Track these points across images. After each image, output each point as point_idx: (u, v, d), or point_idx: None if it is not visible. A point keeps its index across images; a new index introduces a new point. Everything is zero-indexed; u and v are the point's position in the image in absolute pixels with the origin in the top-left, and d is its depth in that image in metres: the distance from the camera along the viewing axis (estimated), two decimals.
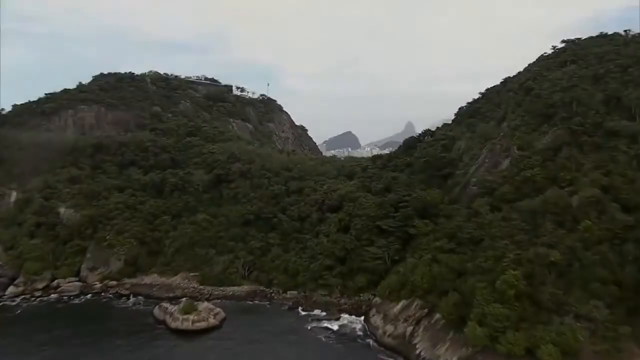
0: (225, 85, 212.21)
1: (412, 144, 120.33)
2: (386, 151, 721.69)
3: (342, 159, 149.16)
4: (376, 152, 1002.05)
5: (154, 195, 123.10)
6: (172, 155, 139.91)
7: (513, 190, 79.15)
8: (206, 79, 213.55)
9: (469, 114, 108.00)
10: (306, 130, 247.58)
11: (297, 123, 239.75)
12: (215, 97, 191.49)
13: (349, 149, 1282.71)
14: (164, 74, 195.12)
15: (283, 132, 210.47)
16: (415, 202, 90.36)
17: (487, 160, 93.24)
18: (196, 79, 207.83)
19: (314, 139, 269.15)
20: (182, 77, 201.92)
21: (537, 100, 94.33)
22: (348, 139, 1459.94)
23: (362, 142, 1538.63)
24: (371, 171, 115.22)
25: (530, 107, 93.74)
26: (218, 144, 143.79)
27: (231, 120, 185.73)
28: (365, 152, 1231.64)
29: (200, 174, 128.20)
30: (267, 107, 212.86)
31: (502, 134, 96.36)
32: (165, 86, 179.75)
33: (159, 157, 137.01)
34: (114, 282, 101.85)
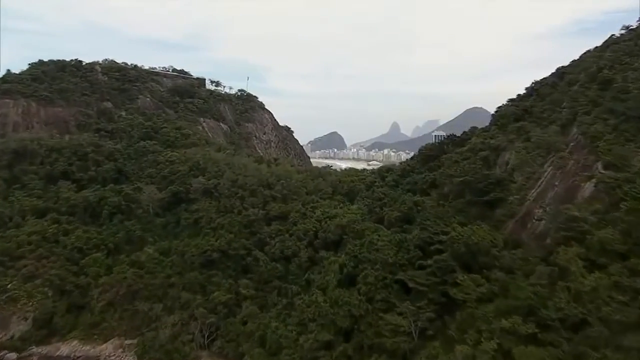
0: (197, 78, 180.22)
1: (433, 154, 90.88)
2: (373, 152, 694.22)
3: (339, 170, 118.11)
4: (362, 152, 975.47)
5: (86, 220, 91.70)
6: (119, 164, 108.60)
7: (621, 237, 50.15)
8: (175, 70, 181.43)
9: (515, 115, 78.79)
10: (292, 131, 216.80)
11: (282, 123, 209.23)
12: (183, 91, 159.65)
13: (335, 150, 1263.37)
14: (123, 63, 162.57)
15: (265, 134, 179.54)
16: (456, 244, 60.82)
17: (556, 183, 64.10)
18: (162, 70, 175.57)
19: (299, 140, 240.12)
20: (146, 67, 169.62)
21: (625, 97, 65.65)
22: (334, 139, 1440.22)
23: (348, 143, 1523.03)
24: (380, 191, 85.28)
25: (616, 107, 64.98)
26: (180, 150, 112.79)
27: (201, 119, 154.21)
28: (352, 152, 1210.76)
29: (151, 191, 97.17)
30: (247, 105, 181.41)
31: (573, 144, 67.45)
32: (120, 77, 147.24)
33: (101, 167, 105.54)
34: (14, 356, 70.43)
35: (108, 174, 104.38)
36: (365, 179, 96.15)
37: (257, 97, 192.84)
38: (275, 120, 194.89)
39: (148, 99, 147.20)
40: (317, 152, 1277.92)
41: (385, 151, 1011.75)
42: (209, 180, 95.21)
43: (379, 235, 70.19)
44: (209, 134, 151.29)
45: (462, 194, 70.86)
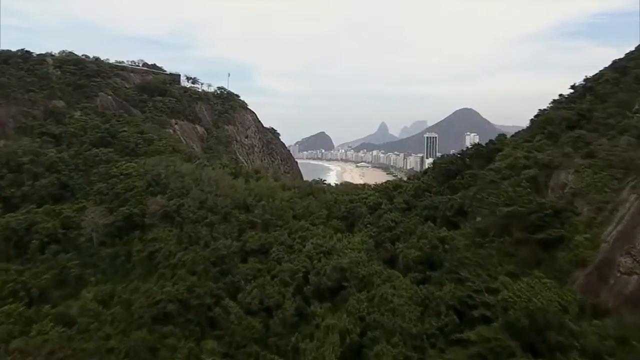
0: (171, 74, 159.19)
1: (454, 168, 71.89)
2: (361, 153, 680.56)
3: (333, 184, 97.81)
4: (351, 153, 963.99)
5: (9, 254, 70.99)
6: (62, 177, 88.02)
7: None
8: (146, 65, 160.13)
9: (568, 120, 60.07)
10: (277, 134, 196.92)
11: (268, 124, 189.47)
12: (152, 88, 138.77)
13: (323, 151, 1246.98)
14: (84, 55, 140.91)
15: (247, 137, 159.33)
16: (511, 310, 41.92)
17: None
18: (131, 65, 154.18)
19: (286, 140, 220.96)
20: (111, 61, 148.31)
21: None
22: (321, 139, 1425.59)
23: (336, 143, 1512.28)
24: (389, 217, 66.05)
25: None
26: (140, 159, 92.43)
27: (173, 121, 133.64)
28: (340, 153, 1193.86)
29: (98, 213, 76.74)
30: (227, 105, 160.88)
31: None
32: (77, 71, 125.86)
33: (40, 180, 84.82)
34: None
35: (47, 190, 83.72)
36: (367, 198, 76.59)
37: (239, 96, 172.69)
38: (259, 121, 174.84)
39: (110, 96, 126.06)
40: (305, 152, 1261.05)
41: (374, 152, 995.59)
42: (169, 200, 75.04)
43: (394, 287, 50.93)
44: (182, 138, 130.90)
45: (507, 229, 51.91)
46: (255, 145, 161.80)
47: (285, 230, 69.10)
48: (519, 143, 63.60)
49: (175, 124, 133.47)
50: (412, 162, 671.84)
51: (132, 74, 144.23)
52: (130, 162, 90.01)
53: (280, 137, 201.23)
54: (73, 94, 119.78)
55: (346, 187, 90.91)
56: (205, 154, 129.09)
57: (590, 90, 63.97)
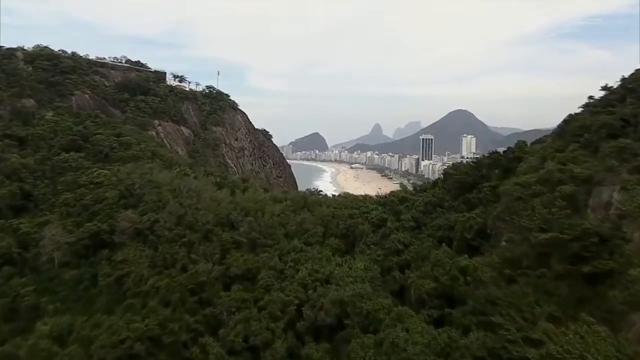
0: (156, 71, 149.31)
1: (470, 181, 62.77)
2: (355, 154, 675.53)
3: (333, 196, 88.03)
4: (345, 154, 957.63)
5: None
6: (26, 186, 78.19)
7: None
8: (129, 62, 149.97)
9: (609, 127, 50.66)
10: (269, 136, 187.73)
11: (262, 124, 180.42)
12: (135, 87, 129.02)
13: (317, 151, 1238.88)
14: (61, 51, 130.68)
15: (237, 139, 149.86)
16: None
17: None
18: (112, 61, 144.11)
19: (280, 141, 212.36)
20: (91, 57, 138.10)
21: None
22: (315, 140, 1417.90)
23: (330, 144, 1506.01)
24: (396, 238, 56.92)
25: None
26: (115, 165, 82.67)
27: (156, 122, 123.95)
28: (334, 154, 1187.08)
29: (60, 229, 66.96)
30: (215, 105, 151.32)
31: None
32: (50, 67, 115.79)
33: None
34: None
35: (6, 202, 73.85)
36: (369, 212, 67.36)
37: (228, 96, 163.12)
38: (249, 122, 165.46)
39: (87, 95, 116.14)
40: (299, 153, 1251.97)
41: (369, 153, 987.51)
42: (143, 214, 65.40)
43: (407, 330, 41.77)
44: (165, 141, 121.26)
45: (544, 260, 42.89)
46: (246, 148, 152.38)
47: (275, 252, 59.67)
48: (548, 152, 54.64)
49: (159, 125, 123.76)
50: (407, 164, 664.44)
51: (112, 71, 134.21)
52: (103, 169, 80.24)
53: (272, 139, 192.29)
54: (45, 92, 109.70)
55: (345, 199, 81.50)
56: (190, 159, 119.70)
57: (631, 92, 55.18)
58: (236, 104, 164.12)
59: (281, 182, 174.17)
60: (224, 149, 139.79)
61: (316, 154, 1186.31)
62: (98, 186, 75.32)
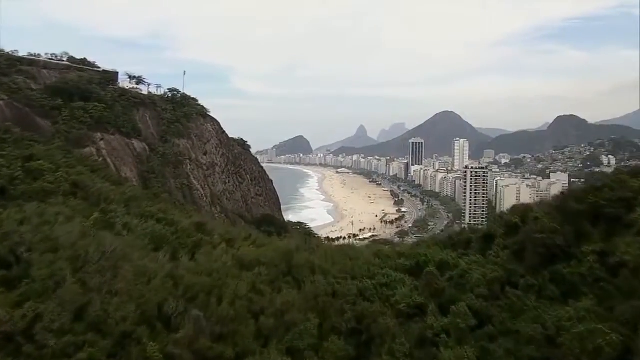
0: (105, 72, 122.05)
1: (562, 243, 38.05)
2: (341, 158, 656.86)
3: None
4: (330, 157, 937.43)
5: None
6: None
7: None
8: (72, 60, 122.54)
9: None
10: (248, 146, 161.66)
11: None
12: (72, 90, 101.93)
13: (301, 155, 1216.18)
14: None
15: (206, 153, 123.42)
16: None
17: None
18: (48, 58, 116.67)
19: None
20: (22, 53, 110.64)
21: None
22: (299, 143, 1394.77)
23: (314, 146, 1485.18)
24: (450, 357, 31.96)
25: None
26: (9, 205, 56.17)
27: (98, 135, 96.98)
28: (319, 158, 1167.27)
29: None
30: (179, 112, 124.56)
31: None
32: None
33: None
34: None
35: None
36: (393, 289, 41.70)
37: (196, 100, 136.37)
38: (223, 132, 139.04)
39: (2, 102, 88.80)
40: (283, 157, 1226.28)
41: (355, 157, 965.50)
42: (21, 302, 39.32)
43: None
44: (108, 160, 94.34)
45: None
46: (217, 164, 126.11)
47: None
48: None
49: (101, 139, 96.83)
50: (396, 168, 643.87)
51: (44, 71, 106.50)
52: None
53: (251, 150, 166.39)
54: None
55: (348, 249, 55.62)
56: (142, 182, 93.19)
57: None
58: (206, 109, 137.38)
59: (261, 201, 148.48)
60: (189, 167, 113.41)
61: (300, 158, 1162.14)
62: None
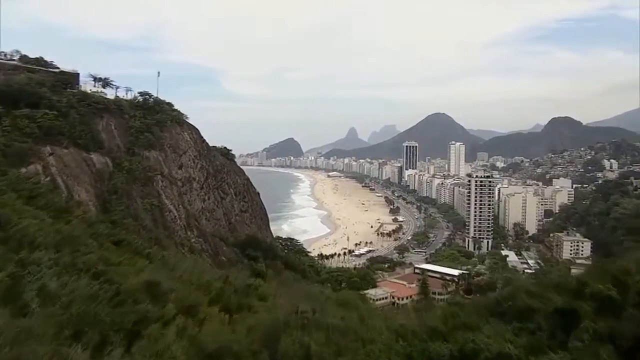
0: (62, 72, 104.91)
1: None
2: (332, 161, 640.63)
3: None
4: (321, 161, 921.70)
5: None
6: None
7: None
8: (24, 59, 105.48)
9: None
10: (232, 156, 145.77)
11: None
12: (17, 95, 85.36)
13: (292, 158, 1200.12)
14: None
15: (181, 167, 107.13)
16: None
17: None
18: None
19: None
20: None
21: None
22: (290, 145, 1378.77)
23: (304, 148, 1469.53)
24: None
25: None
26: None
27: (47, 150, 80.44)
28: (309, 161, 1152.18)
29: None
30: (150, 119, 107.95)
31: None
32: None
33: None
34: None
35: None
36: None
37: (172, 105, 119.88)
38: (203, 141, 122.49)
39: None
40: (273, 159, 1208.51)
41: (346, 160, 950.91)
42: None
43: None
44: (59, 179, 78.01)
45: None
46: (195, 178, 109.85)
47: None
48: None
49: (50, 154, 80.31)
50: (389, 172, 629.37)
51: None
52: None
53: (234, 160, 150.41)
54: None
55: (358, 324, 40.32)
56: (100, 205, 77.07)
57: None
58: (183, 115, 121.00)
59: (247, 218, 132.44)
60: (160, 183, 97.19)
61: (291, 161, 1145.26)
62: None
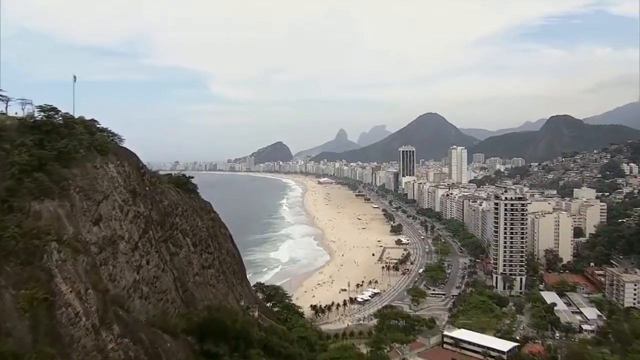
0: None
1: None
2: (322, 165, 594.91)
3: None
4: (311, 165, 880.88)
5: None
6: None
7: None
8: None
9: None
10: (194, 186, 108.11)
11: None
12: None
13: (280, 162, 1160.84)
14: None
15: (98, 222, 69.63)
16: None
17: None
18: None
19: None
20: None
21: None
22: (279, 150, 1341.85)
23: (293, 151, 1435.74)
24: None
25: None
26: None
27: None
28: (299, 165, 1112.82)
29: None
30: (50, 150, 70.52)
31: None
32: None
33: None
34: None
35: None
36: None
37: (97, 123, 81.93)
38: (143, 173, 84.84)
39: None
40: (261, 165, 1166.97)
41: (337, 164, 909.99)
42: None
43: None
44: None
45: None
46: (123, 237, 72.20)
47: None
48: None
49: None
50: (384, 178, 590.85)
51: None
52: None
53: (198, 191, 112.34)
54: None
55: None
56: None
57: None
58: (116, 137, 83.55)
59: (211, 276, 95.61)
60: (55, 257, 59.93)
61: (280, 165, 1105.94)
62: None
